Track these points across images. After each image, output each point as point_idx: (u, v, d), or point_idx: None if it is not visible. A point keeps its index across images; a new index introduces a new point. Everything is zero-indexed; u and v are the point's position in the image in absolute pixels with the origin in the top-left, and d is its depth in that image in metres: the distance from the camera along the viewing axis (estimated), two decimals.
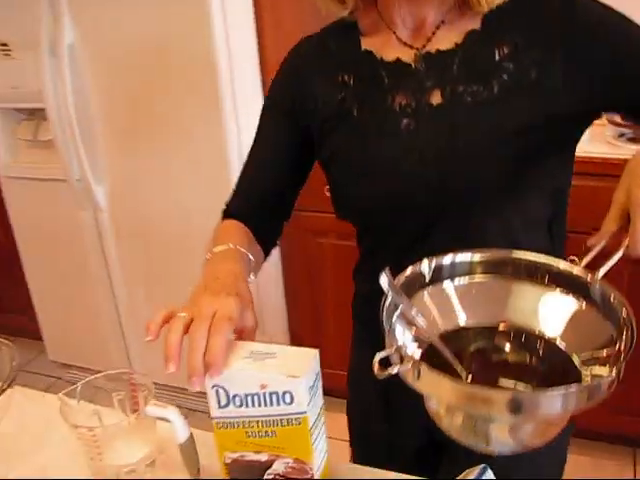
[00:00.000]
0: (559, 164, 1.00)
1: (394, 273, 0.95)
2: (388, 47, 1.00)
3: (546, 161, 0.96)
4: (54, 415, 0.91)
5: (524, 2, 0.94)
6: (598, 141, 2.08)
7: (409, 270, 0.82)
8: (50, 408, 1.06)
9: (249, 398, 0.79)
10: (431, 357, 0.74)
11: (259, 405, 0.79)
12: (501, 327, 0.80)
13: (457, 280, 0.83)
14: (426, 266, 0.82)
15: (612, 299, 0.75)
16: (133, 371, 0.94)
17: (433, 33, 0.98)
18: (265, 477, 0.83)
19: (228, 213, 1.16)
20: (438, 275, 0.83)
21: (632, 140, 2.06)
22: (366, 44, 1.02)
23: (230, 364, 0.79)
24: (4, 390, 0.97)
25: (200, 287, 0.87)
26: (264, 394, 0.78)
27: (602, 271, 0.77)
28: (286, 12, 2.34)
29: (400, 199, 0.98)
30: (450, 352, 0.75)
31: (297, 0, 2.36)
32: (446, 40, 0.96)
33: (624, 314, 0.73)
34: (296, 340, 2.59)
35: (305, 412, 0.78)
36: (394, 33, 1.00)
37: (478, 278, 0.84)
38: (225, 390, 0.79)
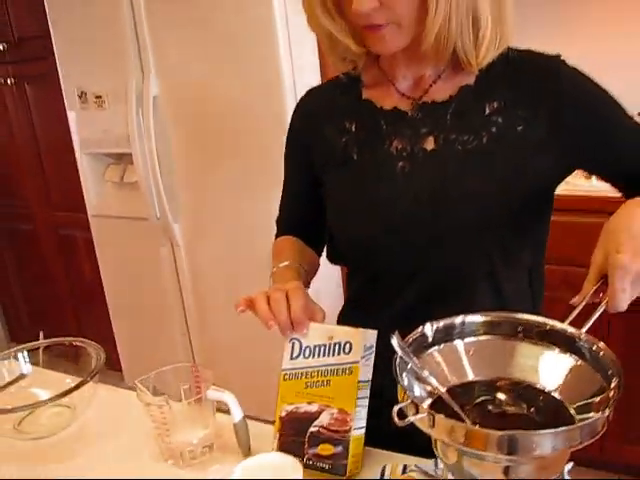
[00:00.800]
0: (539, 215, 1.11)
1: (387, 313, 1.10)
2: (387, 97, 1.10)
3: (528, 213, 1.06)
4: (130, 406, 1.10)
5: (514, 65, 1.04)
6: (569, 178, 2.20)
7: (417, 331, 0.89)
8: (127, 401, 1.25)
9: (317, 349, 0.99)
10: (439, 407, 0.79)
11: (324, 355, 0.98)
12: (502, 382, 0.86)
13: (464, 339, 0.90)
14: (429, 329, 0.89)
15: (600, 352, 0.82)
16: (196, 364, 1.12)
17: (430, 86, 1.08)
18: (310, 430, 0.99)
19: (280, 231, 1.36)
20: (446, 335, 0.90)
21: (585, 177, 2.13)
22: (367, 94, 1.13)
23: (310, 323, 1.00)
24: (88, 380, 1.16)
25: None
26: (330, 344, 0.98)
27: (586, 326, 0.84)
28: None
29: (396, 236, 1.05)
30: (456, 404, 0.80)
31: None
32: (441, 92, 1.07)
33: (612, 365, 0.79)
34: None
35: (357, 361, 0.96)
36: (393, 85, 1.11)
37: (481, 338, 0.90)
38: (300, 342, 0.99)
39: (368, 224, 1.08)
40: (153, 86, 2.51)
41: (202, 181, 2.57)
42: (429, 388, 0.83)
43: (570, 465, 0.83)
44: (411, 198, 1.04)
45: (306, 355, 0.99)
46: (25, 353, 1.27)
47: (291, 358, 1.00)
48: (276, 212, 2.40)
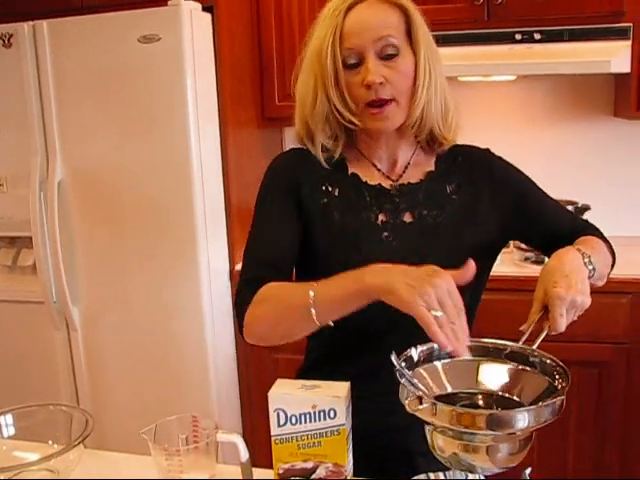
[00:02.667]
0: (483, 277, 1.35)
1: (354, 369, 1.23)
2: (370, 175, 1.33)
3: (480, 277, 1.23)
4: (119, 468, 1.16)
5: (460, 155, 1.36)
6: (508, 264, 2.60)
7: (406, 353, 1.06)
8: (114, 464, 1.29)
9: (302, 417, 1.08)
10: None
11: (310, 421, 1.08)
12: (476, 392, 1.07)
13: (441, 360, 1.09)
14: (414, 352, 1.07)
15: (548, 362, 1.06)
16: (196, 415, 1.20)
17: (403, 171, 1.34)
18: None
19: (257, 284, 1.25)
20: (428, 357, 1.09)
21: (535, 262, 2.56)
22: (352, 169, 1.34)
23: (289, 392, 1.08)
24: (77, 444, 1.19)
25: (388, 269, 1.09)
26: (314, 412, 1.08)
27: (536, 344, 1.09)
28: (246, 164, 2.78)
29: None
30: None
31: (255, 154, 2.83)
32: (413, 176, 1.34)
33: (558, 367, 1.03)
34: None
35: (344, 424, 1.08)
36: (375, 166, 1.34)
37: (456, 359, 1.07)
38: (284, 412, 1.08)
39: None
40: (58, 170, 2.55)
41: (104, 263, 2.61)
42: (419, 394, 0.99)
43: (529, 469, 1.10)
44: (395, 261, 1.15)
45: (293, 422, 1.08)
46: (9, 417, 1.28)
47: (278, 426, 1.09)
48: (184, 295, 2.50)
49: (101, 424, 2.72)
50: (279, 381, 1.13)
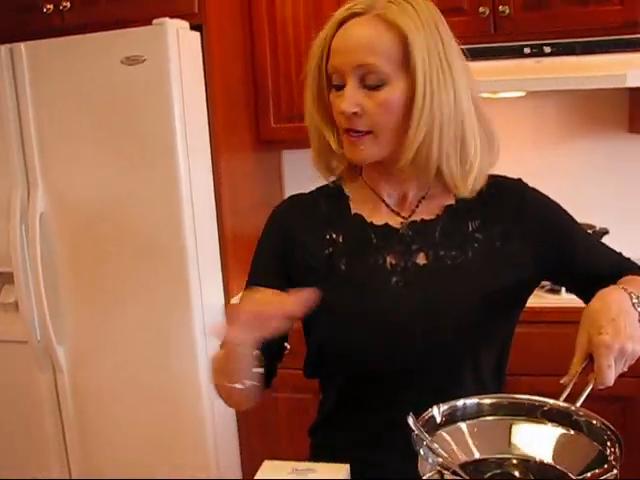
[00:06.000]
0: (511, 322, 1.20)
1: (369, 424, 1.13)
2: (377, 213, 1.17)
3: (509, 315, 1.17)
4: None
5: (488, 187, 1.15)
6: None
7: (427, 412, 0.93)
8: None
9: None
10: None
11: None
12: (509, 458, 0.90)
13: (466, 421, 0.94)
14: (437, 411, 0.92)
15: (596, 424, 0.89)
16: None
17: (417, 206, 1.17)
18: None
19: None
20: (451, 417, 0.94)
21: (551, 291, 2.34)
22: (356, 209, 1.18)
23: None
24: None
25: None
26: None
27: (579, 402, 0.93)
28: (241, 190, 2.63)
29: (392, 349, 1.09)
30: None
31: (251, 180, 2.67)
32: (428, 211, 1.16)
33: (608, 430, 0.87)
34: None
35: None
36: (383, 201, 1.18)
37: (485, 419, 0.95)
38: None
39: (361, 334, 1.10)
40: (40, 202, 2.39)
41: (91, 300, 2.44)
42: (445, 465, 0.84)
43: None
44: (407, 310, 1.09)
45: None
46: None
47: None
48: (176, 332, 2.34)
49: (91, 471, 2.56)
50: (267, 463, 0.96)
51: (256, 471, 2.66)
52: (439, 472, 0.80)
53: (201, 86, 2.38)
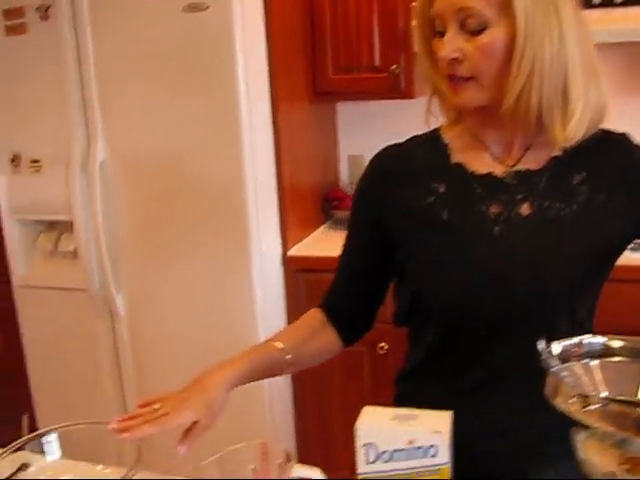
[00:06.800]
0: (604, 278, 1.19)
1: (464, 378, 1.14)
2: (479, 161, 1.16)
3: (607, 268, 1.16)
4: None
5: (593, 138, 1.12)
6: None
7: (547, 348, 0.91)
8: None
9: (396, 454, 0.91)
10: None
11: (405, 459, 0.90)
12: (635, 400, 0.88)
13: (595, 360, 0.92)
14: (558, 347, 0.91)
15: None
16: (266, 441, 1.04)
17: (522, 155, 1.14)
18: None
19: (324, 299, 1.31)
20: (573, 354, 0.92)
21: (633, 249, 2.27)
22: (457, 157, 1.17)
23: (380, 425, 0.90)
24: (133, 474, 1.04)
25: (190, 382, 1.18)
26: (410, 449, 0.90)
27: None
28: (297, 141, 2.61)
29: (491, 299, 1.10)
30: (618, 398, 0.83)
31: (306, 131, 2.65)
32: (533, 161, 1.14)
33: None
34: (302, 449, 2.64)
35: (447, 463, 0.90)
36: (486, 150, 1.16)
37: (612, 359, 0.92)
38: (375, 447, 0.90)
39: (461, 283, 1.10)
40: (100, 151, 2.39)
41: (151, 248, 2.46)
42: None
43: None
44: (507, 260, 1.09)
45: (385, 460, 0.92)
46: (54, 437, 1.13)
47: (367, 463, 0.92)
48: (234, 280, 2.34)
49: None
50: (366, 409, 0.95)
51: (308, 418, 2.67)
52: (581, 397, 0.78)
53: (262, 35, 2.34)
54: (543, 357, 0.85)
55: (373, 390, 2.51)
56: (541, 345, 0.85)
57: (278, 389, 2.52)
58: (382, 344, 2.40)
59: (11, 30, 2.42)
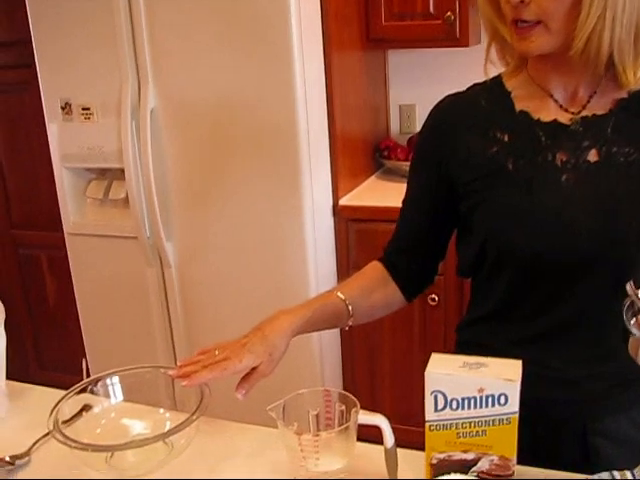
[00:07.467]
0: None
1: (533, 327, 1.12)
2: (544, 109, 1.11)
3: None
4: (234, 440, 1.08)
5: None
6: None
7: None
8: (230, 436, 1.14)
9: (466, 401, 0.89)
10: None
11: (474, 407, 0.89)
12: None
13: None
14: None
15: None
16: (329, 389, 1.03)
17: (588, 101, 1.10)
18: (470, 473, 0.91)
19: (385, 252, 1.28)
20: None
21: None
22: (520, 105, 1.13)
23: (450, 373, 0.89)
24: (194, 419, 1.03)
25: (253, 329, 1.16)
26: (481, 397, 0.89)
27: None
28: (349, 89, 2.56)
29: (561, 246, 1.07)
30: None
31: (358, 79, 2.60)
32: (599, 106, 1.09)
33: None
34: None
35: (517, 412, 0.89)
36: (551, 97, 1.11)
37: None
38: (444, 395, 0.89)
39: (532, 232, 1.07)
40: (151, 97, 2.38)
41: (200, 197, 2.45)
42: None
43: None
44: (578, 208, 1.05)
45: (453, 407, 0.91)
46: (115, 379, 1.14)
47: (435, 410, 0.91)
48: (285, 230, 2.34)
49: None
50: (435, 356, 0.93)
51: (357, 369, 2.67)
52: None
53: None
54: (631, 298, 0.83)
55: (421, 342, 2.50)
56: (629, 286, 0.83)
57: (327, 339, 2.52)
58: (433, 295, 2.38)
59: None
